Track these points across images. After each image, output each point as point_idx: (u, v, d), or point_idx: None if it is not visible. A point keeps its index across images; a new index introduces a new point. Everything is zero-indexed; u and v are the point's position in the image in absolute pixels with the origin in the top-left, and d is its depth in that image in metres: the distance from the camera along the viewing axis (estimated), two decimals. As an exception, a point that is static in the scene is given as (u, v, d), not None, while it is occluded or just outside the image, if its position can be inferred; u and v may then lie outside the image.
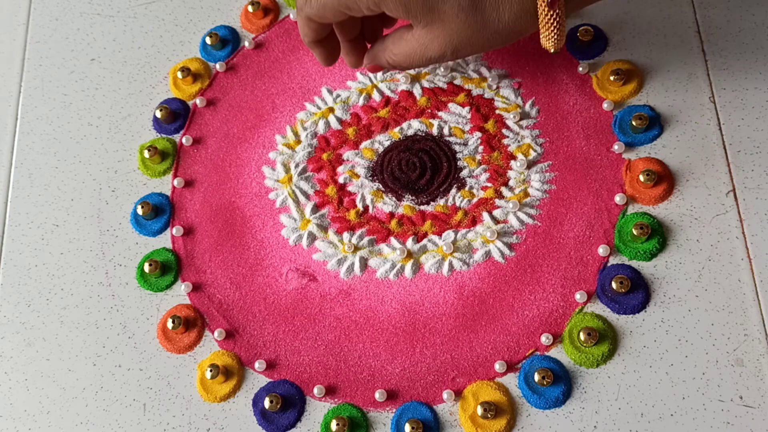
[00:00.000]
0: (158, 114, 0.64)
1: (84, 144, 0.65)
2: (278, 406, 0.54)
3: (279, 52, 0.67)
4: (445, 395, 0.54)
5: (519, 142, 0.61)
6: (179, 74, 0.65)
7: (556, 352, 0.55)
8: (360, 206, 0.60)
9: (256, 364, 0.56)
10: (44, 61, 0.69)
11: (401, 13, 0.49)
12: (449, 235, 0.59)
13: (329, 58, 0.57)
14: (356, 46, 0.57)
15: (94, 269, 0.61)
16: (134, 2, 0.70)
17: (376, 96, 0.64)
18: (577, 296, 0.56)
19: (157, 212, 0.62)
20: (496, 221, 0.59)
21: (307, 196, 0.61)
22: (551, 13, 0.47)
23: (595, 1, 0.52)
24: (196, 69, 0.66)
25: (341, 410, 0.54)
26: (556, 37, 0.48)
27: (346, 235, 0.60)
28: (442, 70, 0.64)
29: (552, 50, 0.50)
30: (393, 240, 0.59)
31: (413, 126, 0.63)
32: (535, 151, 0.61)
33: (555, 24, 0.48)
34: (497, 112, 0.62)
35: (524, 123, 0.62)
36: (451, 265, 0.58)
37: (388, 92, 0.64)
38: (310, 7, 0.51)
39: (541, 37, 0.49)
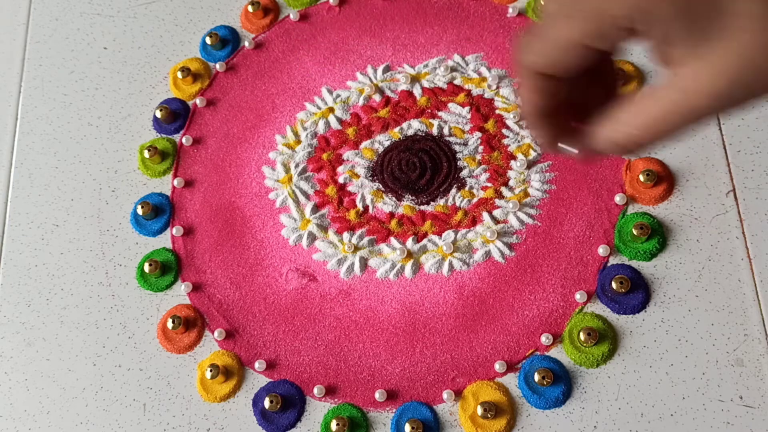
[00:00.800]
0: (158, 114, 0.64)
1: (84, 144, 0.65)
2: (278, 406, 0.54)
3: (279, 52, 0.67)
4: (445, 395, 0.54)
5: (519, 142, 0.61)
6: (179, 74, 0.65)
7: (556, 352, 0.55)
8: (360, 206, 0.60)
9: (256, 364, 0.56)
10: (44, 61, 0.69)
11: (674, 25, 0.30)
12: (449, 235, 0.59)
13: (554, 138, 0.37)
14: (562, 119, 0.37)
15: (94, 269, 0.61)
16: (134, 2, 0.70)
17: (376, 96, 0.64)
18: (577, 296, 0.56)
19: (157, 212, 0.62)
20: (496, 221, 0.59)
21: (307, 196, 0.61)
22: None
23: None
24: (196, 69, 0.66)
25: (341, 410, 0.54)
26: None
27: (346, 235, 0.60)
28: (442, 70, 0.64)
29: None
30: (393, 240, 0.59)
31: (413, 126, 0.63)
32: (535, 151, 0.61)
33: None
34: (497, 112, 0.62)
35: (524, 123, 0.62)
36: (451, 265, 0.58)
37: (388, 92, 0.64)
38: (535, 53, 0.34)
39: None
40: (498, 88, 0.63)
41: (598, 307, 0.56)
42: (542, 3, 0.35)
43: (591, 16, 0.31)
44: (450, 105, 0.63)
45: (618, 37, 0.31)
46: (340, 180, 0.62)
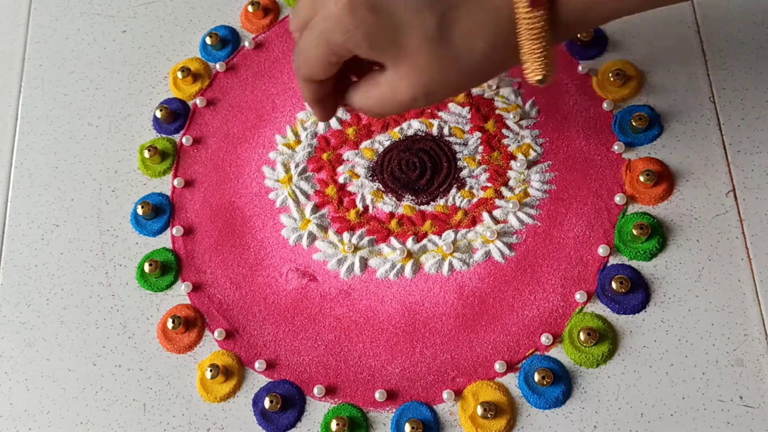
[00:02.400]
0: (158, 114, 0.64)
1: (84, 144, 0.65)
2: (278, 406, 0.54)
3: (279, 52, 0.67)
4: (445, 395, 0.54)
5: (519, 142, 0.61)
6: (179, 74, 0.65)
7: (556, 352, 0.55)
8: (360, 206, 0.60)
9: (256, 364, 0.56)
10: (44, 61, 0.69)
11: (367, 49, 0.43)
12: (449, 235, 0.59)
13: (327, 114, 0.51)
14: (333, 98, 0.51)
15: (94, 269, 0.61)
16: (134, 2, 0.70)
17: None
18: (577, 296, 0.56)
19: (157, 212, 0.62)
20: (496, 221, 0.59)
21: (307, 196, 0.61)
22: (535, 22, 0.40)
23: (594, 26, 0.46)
24: (196, 69, 0.66)
25: (341, 410, 0.54)
26: (542, 66, 0.41)
27: (346, 235, 0.60)
28: (442, 70, 0.64)
29: (540, 80, 0.42)
30: (393, 240, 0.59)
31: (413, 126, 0.63)
32: (535, 151, 0.61)
33: (540, 50, 0.41)
34: (497, 112, 0.62)
35: (524, 123, 0.62)
36: (451, 265, 0.58)
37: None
38: (299, 68, 0.47)
39: (525, 69, 0.42)
40: (498, 88, 0.63)
41: (598, 307, 0.56)
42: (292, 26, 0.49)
43: (323, 42, 0.44)
44: (450, 105, 0.63)
45: (345, 54, 0.44)
46: (340, 180, 0.62)
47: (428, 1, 0.41)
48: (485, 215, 0.59)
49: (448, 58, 0.42)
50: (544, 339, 0.55)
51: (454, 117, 0.62)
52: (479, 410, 0.52)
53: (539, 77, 0.42)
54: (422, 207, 0.60)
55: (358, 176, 0.61)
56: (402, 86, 0.44)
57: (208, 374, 0.55)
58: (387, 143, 0.62)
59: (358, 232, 0.60)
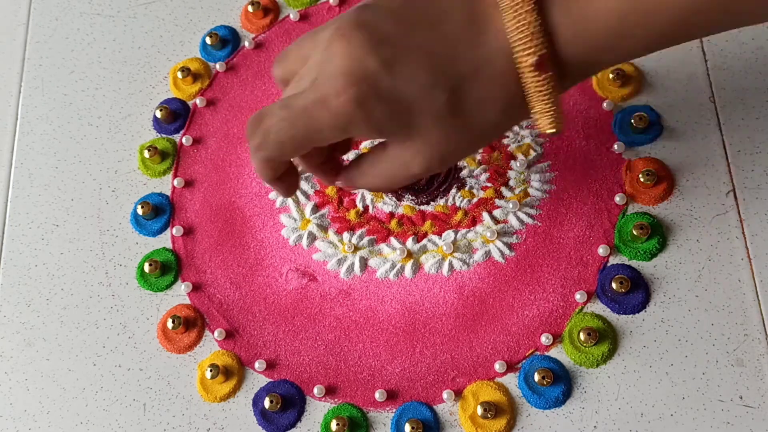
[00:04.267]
0: (158, 114, 0.64)
1: (84, 144, 0.65)
2: (278, 406, 0.54)
3: (279, 52, 0.67)
4: (445, 395, 0.54)
5: (519, 142, 0.61)
6: (179, 74, 0.65)
7: (556, 352, 0.55)
8: (360, 206, 0.60)
9: (256, 364, 0.56)
10: (44, 61, 0.69)
11: (374, 134, 0.42)
12: (449, 235, 0.59)
13: (291, 190, 0.49)
14: (328, 165, 0.49)
15: (94, 269, 0.61)
16: (134, 2, 0.70)
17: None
18: (577, 296, 0.56)
19: (157, 212, 0.62)
20: (496, 221, 0.59)
21: (307, 196, 0.61)
22: (542, 84, 0.39)
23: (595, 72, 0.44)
24: (196, 69, 0.66)
25: (341, 410, 0.54)
26: (554, 119, 0.41)
27: (346, 235, 0.60)
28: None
29: (554, 132, 0.42)
30: (393, 240, 0.59)
31: (413, 126, 0.62)
32: (535, 151, 0.61)
33: (550, 107, 0.40)
34: (497, 112, 0.62)
35: (524, 123, 0.62)
36: (451, 265, 0.58)
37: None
38: (267, 148, 0.43)
39: (537, 124, 0.42)
40: (498, 88, 0.63)
41: (598, 307, 0.56)
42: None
43: (304, 130, 0.41)
44: (450, 105, 0.63)
45: (334, 138, 0.42)
46: (340, 180, 0.61)
47: (437, 78, 0.40)
48: (485, 215, 0.59)
49: (460, 130, 0.42)
50: (544, 339, 0.55)
51: (454, 117, 0.62)
52: (479, 410, 0.52)
53: (553, 130, 0.41)
54: (422, 207, 0.60)
55: (358, 176, 0.61)
56: (415, 161, 0.43)
57: (208, 374, 0.55)
58: (387, 143, 0.62)
59: (358, 232, 0.60)
